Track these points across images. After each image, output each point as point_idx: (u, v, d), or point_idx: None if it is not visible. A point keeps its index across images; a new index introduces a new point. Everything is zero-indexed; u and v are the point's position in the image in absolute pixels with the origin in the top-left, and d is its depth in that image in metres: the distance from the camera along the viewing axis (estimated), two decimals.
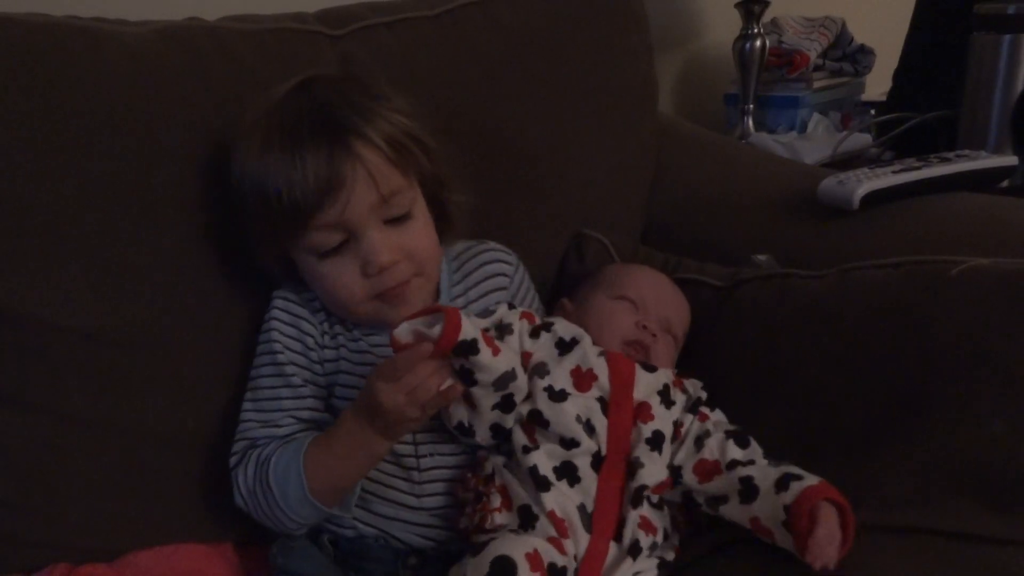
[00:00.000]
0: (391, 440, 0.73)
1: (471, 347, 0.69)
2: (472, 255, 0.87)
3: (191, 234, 0.83)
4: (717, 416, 0.82)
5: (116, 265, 0.79)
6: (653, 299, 0.88)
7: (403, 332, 0.69)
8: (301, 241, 0.74)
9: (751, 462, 0.75)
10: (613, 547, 0.73)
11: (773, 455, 0.77)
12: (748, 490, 0.73)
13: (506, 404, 0.75)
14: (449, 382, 0.70)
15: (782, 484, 0.71)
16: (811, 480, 0.70)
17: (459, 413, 0.75)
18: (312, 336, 0.79)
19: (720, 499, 0.75)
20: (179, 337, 0.82)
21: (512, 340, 0.79)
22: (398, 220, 0.75)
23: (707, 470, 0.76)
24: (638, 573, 0.72)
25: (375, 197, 0.73)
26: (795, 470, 0.72)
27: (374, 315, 0.77)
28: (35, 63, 0.77)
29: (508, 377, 0.73)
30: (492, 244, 0.89)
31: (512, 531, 0.71)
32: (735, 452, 0.76)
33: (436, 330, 0.68)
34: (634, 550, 0.72)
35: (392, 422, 0.70)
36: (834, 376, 0.80)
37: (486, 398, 0.74)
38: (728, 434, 0.78)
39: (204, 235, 0.83)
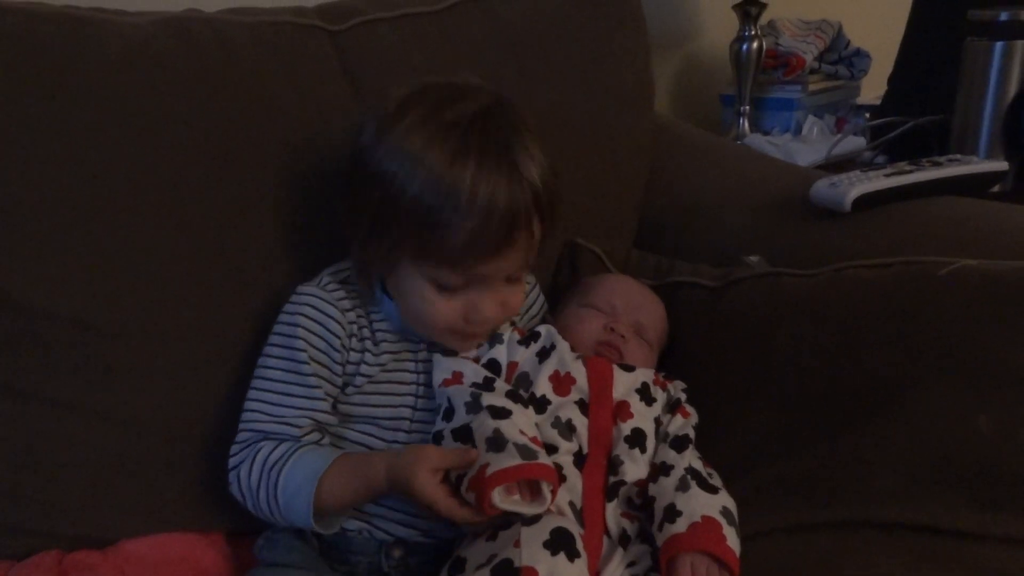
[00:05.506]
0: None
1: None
2: None
3: (187, 224, 0.83)
4: (694, 417, 0.82)
5: (111, 254, 0.80)
6: (623, 304, 0.89)
7: (499, 500, 0.67)
8: (432, 268, 0.73)
9: (668, 470, 0.75)
10: (606, 540, 0.73)
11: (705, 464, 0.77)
12: (651, 511, 0.74)
13: None
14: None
15: (668, 515, 0.71)
16: (680, 527, 0.70)
17: None
18: (339, 337, 0.78)
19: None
20: (173, 326, 0.82)
21: (501, 349, 0.82)
22: (512, 280, 0.77)
23: (653, 472, 0.77)
24: (633, 563, 0.73)
25: (518, 267, 0.76)
26: (681, 502, 0.72)
27: (442, 341, 0.79)
28: (33, 52, 0.78)
29: None
30: None
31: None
32: (665, 455, 0.77)
33: (537, 507, 0.67)
34: (623, 539, 0.73)
35: (420, 505, 0.71)
36: (824, 372, 0.80)
37: None
38: (673, 439, 0.78)
39: (200, 226, 0.83)
